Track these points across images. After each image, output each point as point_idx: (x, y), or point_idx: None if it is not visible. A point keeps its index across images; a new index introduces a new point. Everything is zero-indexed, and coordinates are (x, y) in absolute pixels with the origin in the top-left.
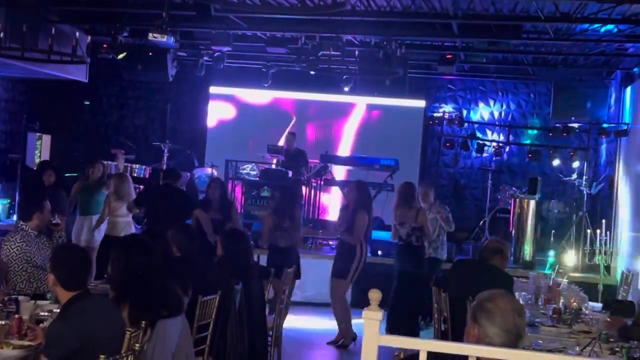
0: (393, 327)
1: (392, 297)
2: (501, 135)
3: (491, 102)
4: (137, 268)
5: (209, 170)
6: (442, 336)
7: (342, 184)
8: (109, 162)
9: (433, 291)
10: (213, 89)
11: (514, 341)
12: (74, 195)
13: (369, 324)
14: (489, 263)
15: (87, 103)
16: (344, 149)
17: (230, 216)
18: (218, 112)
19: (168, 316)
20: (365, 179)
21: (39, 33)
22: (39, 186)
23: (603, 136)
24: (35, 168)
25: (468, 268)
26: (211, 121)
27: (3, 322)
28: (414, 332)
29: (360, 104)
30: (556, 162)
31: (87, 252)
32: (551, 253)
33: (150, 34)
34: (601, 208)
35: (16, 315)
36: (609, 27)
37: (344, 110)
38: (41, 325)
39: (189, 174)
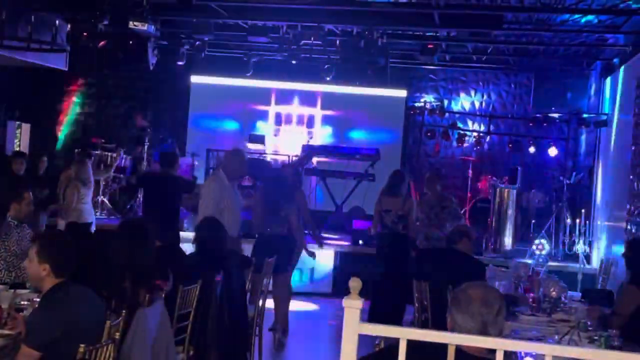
0: (376, 318)
1: (375, 286)
2: (482, 125)
3: (472, 92)
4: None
5: (190, 159)
6: (423, 325)
7: (323, 174)
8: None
9: (414, 282)
10: (194, 78)
11: (479, 330)
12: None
13: (349, 313)
14: (456, 249)
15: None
16: (324, 138)
17: None
18: (199, 101)
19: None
20: (346, 168)
21: (18, 21)
22: (11, 176)
23: (583, 126)
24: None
25: (438, 257)
26: (192, 110)
27: None
28: (398, 323)
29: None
30: (533, 150)
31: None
32: (531, 242)
33: (131, 23)
34: (581, 198)
35: None
36: (590, 17)
37: (325, 100)
38: (21, 314)
39: None
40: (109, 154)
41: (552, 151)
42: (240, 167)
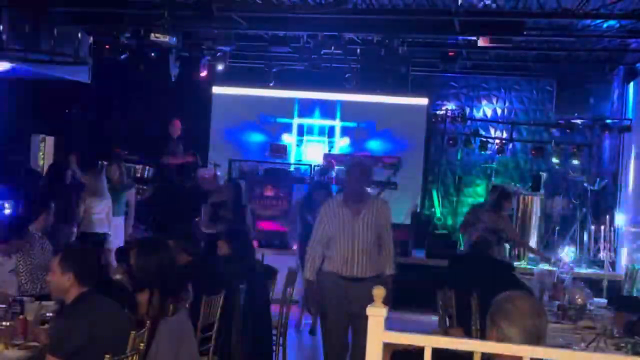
0: None
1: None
2: (504, 132)
3: (494, 99)
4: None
5: (212, 170)
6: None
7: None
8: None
9: (437, 290)
10: (215, 89)
11: (534, 342)
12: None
13: (373, 321)
14: (485, 255)
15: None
16: (346, 147)
17: (244, 218)
18: (221, 111)
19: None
20: None
21: (41, 34)
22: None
23: (606, 132)
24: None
25: (468, 263)
26: (214, 121)
27: (8, 324)
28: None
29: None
30: (557, 159)
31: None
32: (555, 249)
33: (153, 35)
34: (605, 204)
35: (21, 316)
36: (612, 22)
37: (346, 108)
38: (45, 325)
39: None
40: (134, 165)
41: (576, 157)
42: (350, 185)
